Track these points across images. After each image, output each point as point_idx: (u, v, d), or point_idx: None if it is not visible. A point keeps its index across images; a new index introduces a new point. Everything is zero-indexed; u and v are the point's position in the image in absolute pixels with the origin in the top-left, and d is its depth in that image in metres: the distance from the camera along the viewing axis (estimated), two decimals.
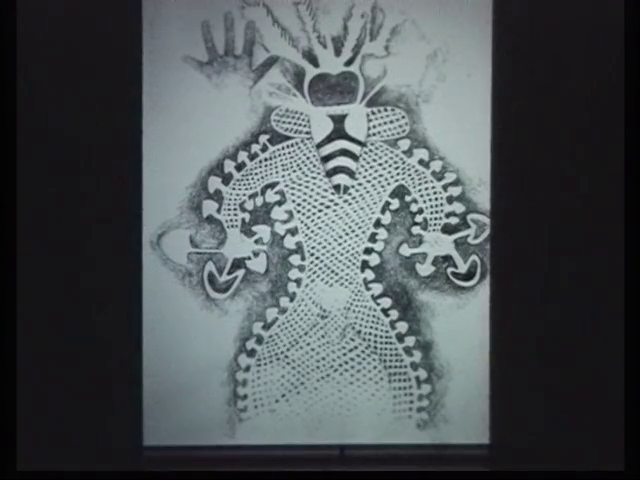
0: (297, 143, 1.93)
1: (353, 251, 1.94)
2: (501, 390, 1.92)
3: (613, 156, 1.85)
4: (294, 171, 1.94)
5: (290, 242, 1.94)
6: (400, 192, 1.94)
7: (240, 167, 1.93)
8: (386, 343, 1.95)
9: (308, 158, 1.94)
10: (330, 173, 1.94)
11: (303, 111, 1.93)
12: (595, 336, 1.89)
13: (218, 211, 1.93)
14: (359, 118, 1.93)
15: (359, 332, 1.95)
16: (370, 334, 1.95)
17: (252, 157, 1.93)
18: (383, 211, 1.94)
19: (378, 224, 1.94)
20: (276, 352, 1.95)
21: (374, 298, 1.94)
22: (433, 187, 1.94)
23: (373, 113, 1.93)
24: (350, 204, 1.94)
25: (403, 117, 1.93)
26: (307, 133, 1.93)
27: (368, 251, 1.94)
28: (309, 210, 1.94)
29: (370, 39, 1.92)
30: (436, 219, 1.94)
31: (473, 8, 1.92)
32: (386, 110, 1.93)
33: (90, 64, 1.86)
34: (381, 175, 1.94)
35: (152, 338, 1.91)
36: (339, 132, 1.93)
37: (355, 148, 1.93)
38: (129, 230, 1.90)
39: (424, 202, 1.94)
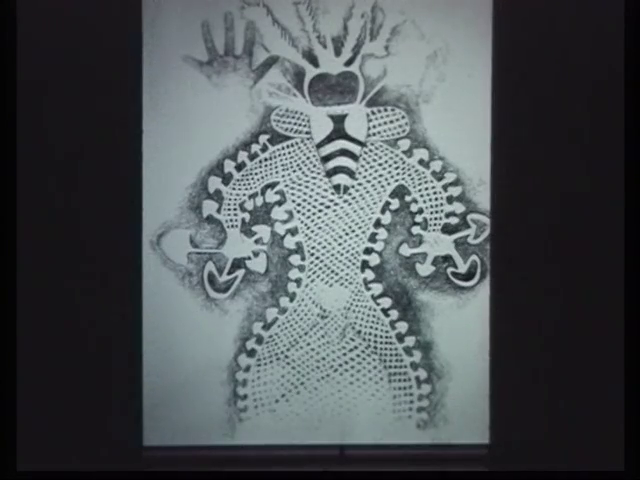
0: (297, 143, 1.93)
1: (353, 251, 1.94)
2: (501, 390, 1.92)
3: (613, 156, 1.85)
4: (294, 171, 1.94)
5: (290, 242, 1.94)
6: (400, 192, 1.94)
7: (240, 167, 1.93)
8: (386, 343, 1.95)
9: (308, 158, 1.94)
10: (330, 173, 1.94)
11: (303, 111, 1.93)
12: (595, 336, 1.89)
13: (218, 211, 1.93)
14: (359, 118, 1.93)
15: (359, 332, 1.95)
16: (370, 334, 1.95)
17: (252, 157, 1.93)
18: (383, 211, 1.94)
19: (378, 224, 1.94)
20: (276, 352, 1.95)
21: (374, 298, 1.94)
22: (433, 187, 1.94)
23: (373, 113, 1.93)
24: (350, 204, 1.94)
25: (403, 117, 1.93)
26: (307, 133, 1.93)
27: (368, 251, 1.94)
28: (309, 210, 1.94)
29: (370, 39, 1.92)
30: (436, 219, 1.94)
31: (473, 8, 1.92)
32: (386, 110, 1.93)
33: (90, 64, 1.86)
34: (381, 175, 1.94)
35: (152, 338, 1.91)
36: (339, 132, 1.93)
37: (355, 148, 1.93)
38: (129, 230, 1.90)
39: (424, 202, 1.94)
